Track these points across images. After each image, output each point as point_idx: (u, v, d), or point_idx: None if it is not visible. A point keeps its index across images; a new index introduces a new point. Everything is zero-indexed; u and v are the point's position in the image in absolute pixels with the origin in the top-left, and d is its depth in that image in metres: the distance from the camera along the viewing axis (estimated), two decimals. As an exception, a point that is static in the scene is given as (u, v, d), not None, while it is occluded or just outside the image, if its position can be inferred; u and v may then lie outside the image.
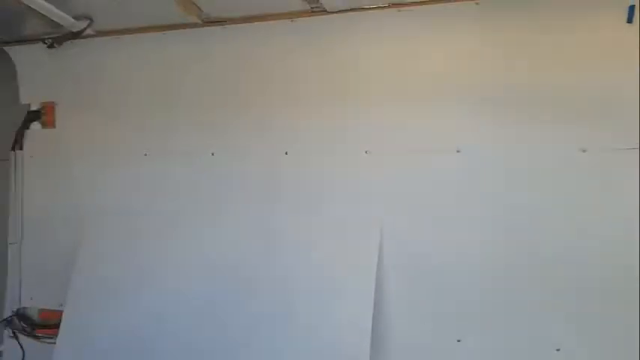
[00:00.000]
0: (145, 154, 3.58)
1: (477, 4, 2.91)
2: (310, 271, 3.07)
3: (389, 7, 3.02)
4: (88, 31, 3.50)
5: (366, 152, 3.11)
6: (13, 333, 3.78)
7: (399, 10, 3.02)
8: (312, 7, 3.09)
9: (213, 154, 3.43)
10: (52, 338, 3.56)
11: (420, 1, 2.95)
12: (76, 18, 3.38)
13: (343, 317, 2.92)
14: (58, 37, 3.59)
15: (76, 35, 3.52)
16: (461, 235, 2.91)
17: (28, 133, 3.88)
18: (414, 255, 2.98)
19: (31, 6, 3.14)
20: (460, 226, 2.91)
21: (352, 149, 3.13)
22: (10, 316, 3.79)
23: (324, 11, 3.11)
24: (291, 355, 2.96)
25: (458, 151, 2.94)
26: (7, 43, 3.76)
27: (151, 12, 3.28)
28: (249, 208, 3.31)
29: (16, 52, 3.81)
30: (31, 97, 3.87)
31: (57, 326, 3.49)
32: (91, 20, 3.42)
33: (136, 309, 3.35)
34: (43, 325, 3.75)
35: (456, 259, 2.90)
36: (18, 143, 3.86)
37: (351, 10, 3.08)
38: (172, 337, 3.23)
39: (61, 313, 3.51)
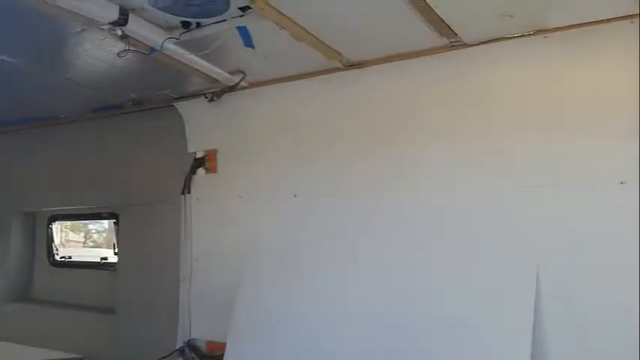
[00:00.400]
0: (295, 195, 3.75)
1: (631, 22, 2.64)
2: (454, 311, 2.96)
3: (534, 34, 2.86)
4: (242, 84, 3.81)
5: (521, 187, 2.92)
6: (185, 362, 4.13)
7: (545, 37, 2.85)
8: (451, 42, 3.04)
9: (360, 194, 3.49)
10: (218, 369, 3.81)
11: (568, 25, 2.75)
12: (231, 73, 3.69)
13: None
14: (216, 92, 3.96)
15: (232, 88, 3.85)
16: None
17: (194, 178, 4.28)
18: (578, 306, 2.70)
19: (194, 67, 3.49)
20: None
21: (505, 184, 2.98)
22: (182, 347, 4.15)
23: (464, 44, 3.04)
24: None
25: (622, 183, 2.65)
26: (176, 99, 4.21)
27: (295, 62, 3.48)
28: (391, 249, 3.30)
29: (183, 107, 4.26)
30: (196, 146, 4.29)
31: (222, 357, 3.75)
32: (244, 74, 3.70)
33: (293, 342, 3.49)
34: (210, 357, 4.04)
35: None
36: (186, 188, 4.27)
37: (492, 40, 2.97)
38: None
39: (225, 345, 3.76)
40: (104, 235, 6.90)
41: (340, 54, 3.30)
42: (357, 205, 3.47)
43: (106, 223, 6.87)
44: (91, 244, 7.76)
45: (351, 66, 3.44)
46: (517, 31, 2.90)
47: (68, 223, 7.08)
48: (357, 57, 3.36)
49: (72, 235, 7.68)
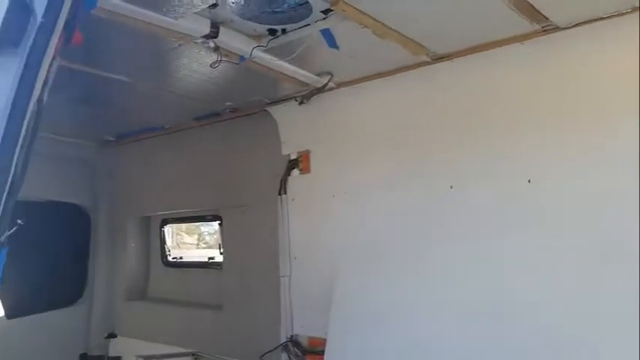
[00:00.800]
0: (388, 191, 3.75)
1: None
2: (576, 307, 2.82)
3: (631, 11, 2.66)
4: (330, 85, 3.88)
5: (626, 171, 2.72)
6: (289, 357, 4.26)
7: (644, 12, 2.65)
8: (542, 27, 2.90)
9: (451, 187, 3.43)
10: (321, 364, 3.90)
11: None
12: (319, 75, 3.78)
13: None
14: (305, 94, 4.06)
15: (320, 90, 3.93)
16: None
17: (289, 179, 4.42)
18: None
19: (283, 72, 3.62)
20: None
21: (608, 170, 2.80)
22: (286, 342, 4.29)
23: (556, 28, 2.89)
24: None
25: None
26: (269, 104, 4.37)
27: (382, 59, 3.49)
28: (492, 240, 3.21)
29: (276, 111, 4.41)
30: (290, 148, 4.42)
31: (324, 353, 3.85)
32: (331, 75, 3.77)
33: (391, 335, 3.52)
34: (312, 352, 4.15)
35: None
36: (282, 189, 4.42)
37: (585, 22, 2.80)
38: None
39: (326, 341, 3.86)
40: (215, 236, 7.29)
41: (425, 48, 3.26)
42: (452, 197, 3.41)
43: (216, 225, 7.27)
44: (203, 245, 8.21)
45: (438, 59, 3.39)
46: (612, 9, 2.72)
47: (183, 226, 7.56)
48: (444, 49, 3.31)
49: (186, 238, 8.14)
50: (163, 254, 6.14)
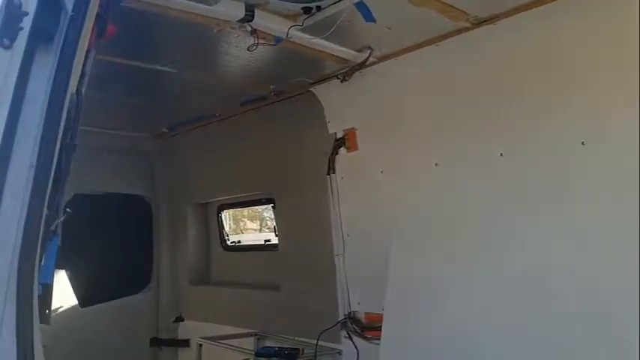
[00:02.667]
0: (436, 164, 3.69)
1: None
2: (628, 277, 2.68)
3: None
4: (371, 59, 3.81)
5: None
6: (348, 334, 4.30)
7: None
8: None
9: (501, 155, 3.33)
10: (379, 339, 3.90)
11: None
12: (358, 51, 3.73)
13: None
14: (347, 71, 4.01)
15: (361, 65, 3.88)
16: None
17: (337, 158, 4.42)
18: None
19: (322, 49, 3.60)
20: None
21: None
22: (344, 319, 4.33)
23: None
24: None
25: None
26: (312, 84, 4.37)
27: (419, 29, 3.41)
28: (544, 207, 3.10)
29: (319, 91, 4.40)
30: (335, 127, 4.41)
31: (381, 329, 3.86)
32: (371, 49, 3.71)
33: (445, 310, 3.48)
34: (370, 327, 4.17)
35: None
36: (331, 168, 4.43)
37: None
38: (488, 341, 3.24)
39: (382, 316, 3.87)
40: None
41: (465, 12, 3.14)
42: (503, 165, 3.31)
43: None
44: (266, 230, 8.37)
45: (479, 23, 3.26)
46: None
47: (245, 212, 7.70)
48: (485, 13, 3.18)
49: (249, 224, 8.27)
50: (222, 239, 6.30)
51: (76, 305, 5.48)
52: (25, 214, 1.49)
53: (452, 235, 3.59)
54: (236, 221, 8.28)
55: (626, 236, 2.74)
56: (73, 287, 5.44)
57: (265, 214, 7.92)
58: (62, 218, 1.72)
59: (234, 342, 4.91)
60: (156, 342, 6.25)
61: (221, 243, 6.30)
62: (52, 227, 1.69)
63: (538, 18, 3.06)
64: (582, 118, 2.99)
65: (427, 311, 3.60)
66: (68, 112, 1.63)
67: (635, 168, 2.73)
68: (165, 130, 6.04)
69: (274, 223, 5.48)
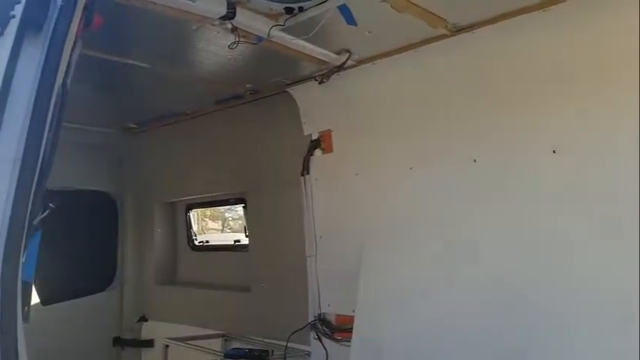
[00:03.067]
0: (411, 168, 3.73)
1: None
2: (594, 282, 2.79)
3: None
4: (349, 62, 3.83)
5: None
6: (317, 335, 4.30)
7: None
8: (566, -8, 2.83)
9: (475, 161, 3.40)
10: (348, 341, 3.92)
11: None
12: (337, 53, 3.74)
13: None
14: (325, 73, 4.03)
15: (340, 68, 3.89)
16: None
17: (312, 159, 4.42)
18: None
19: (302, 51, 3.59)
20: None
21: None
22: (314, 320, 4.33)
23: (580, -7, 2.82)
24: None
25: None
26: (288, 85, 4.36)
27: (399, 34, 3.44)
28: (515, 212, 3.18)
29: (296, 92, 4.40)
30: (311, 128, 4.42)
31: (352, 330, 3.87)
32: (350, 52, 3.73)
33: (418, 312, 3.53)
34: (340, 329, 4.18)
35: None
36: (305, 169, 4.43)
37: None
38: (456, 342, 3.29)
39: (353, 318, 3.87)
40: (239, 222, 7.36)
41: (445, 20, 3.20)
42: (476, 171, 3.39)
43: (240, 211, 7.33)
44: (228, 230, 8.30)
45: (457, 31, 3.33)
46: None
47: (207, 212, 7.62)
48: (464, 21, 3.25)
49: (211, 224, 8.23)
50: (190, 239, 6.22)
51: (37, 303, 5.31)
52: (9, 209, 1.44)
53: (424, 239, 3.65)
54: (198, 221, 8.19)
55: (594, 242, 2.84)
56: (35, 285, 5.26)
57: (228, 214, 7.87)
58: (45, 213, 1.67)
59: (201, 343, 4.85)
60: (119, 342, 6.11)
61: (188, 242, 6.22)
62: (35, 222, 1.64)
63: (514, 28, 3.15)
64: (554, 127, 3.08)
65: (398, 313, 3.64)
66: (55, 105, 1.59)
67: (602, 176, 2.85)
68: (135, 126, 5.92)
69: (237, 224, 5.43)
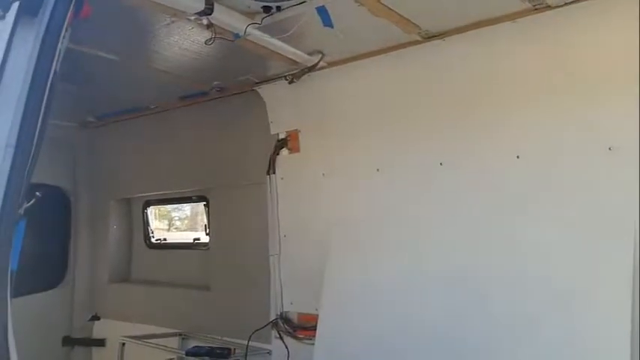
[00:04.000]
0: (378, 170, 3.81)
1: None
2: (550, 279, 2.94)
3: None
4: (321, 64, 3.88)
5: (609, 149, 2.86)
6: (279, 334, 4.32)
7: (635, -8, 2.73)
8: (534, 5, 2.97)
9: (441, 164, 3.51)
10: (311, 339, 3.97)
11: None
12: (310, 54, 3.78)
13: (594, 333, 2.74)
14: (296, 73, 4.06)
15: (311, 69, 3.93)
16: None
17: (278, 158, 4.44)
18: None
19: (275, 50, 3.61)
20: None
21: (594, 147, 2.91)
22: (276, 319, 4.34)
23: (547, 7, 2.96)
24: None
25: None
26: (257, 83, 4.36)
27: (372, 38, 3.52)
28: (479, 215, 3.31)
29: (264, 91, 4.40)
30: (278, 128, 4.43)
31: (314, 328, 3.92)
32: (323, 54, 3.78)
33: (381, 310, 3.60)
34: (302, 327, 4.22)
35: None
36: (271, 168, 4.44)
37: (578, 0, 2.88)
38: (417, 338, 3.38)
39: (316, 316, 3.92)
40: (186, 221, 7.28)
41: (418, 26, 3.29)
42: (442, 174, 3.50)
43: (188, 211, 7.25)
44: (174, 230, 8.16)
45: (429, 38, 3.43)
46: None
47: (155, 211, 7.48)
48: (436, 28, 3.34)
49: (157, 224, 8.04)
50: (146, 236, 6.11)
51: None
52: (1, 196, 1.41)
53: (389, 239, 3.74)
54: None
55: (552, 242, 3.00)
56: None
57: (174, 214, 7.77)
58: (32, 202, 1.63)
59: (157, 342, 4.77)
60: (68, 341, 5.92)
61: (145, 240, 6.10)
62: (21, 211, 1.61)
63: (484, 38, 3.28)
64: (518, 133, 3.23)
65: (362, 311, 3.70)
66: (48, 91, 1.56)
67: (562, 182, 3.02)
68: (93, 120, 5.77)
69: (184, 223, 5.36)
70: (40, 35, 1.51)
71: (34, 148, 1.49)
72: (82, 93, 4.84)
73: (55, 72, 1.66)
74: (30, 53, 1.50)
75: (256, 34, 3.32)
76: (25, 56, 1.49)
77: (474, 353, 3.13)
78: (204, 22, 3.13)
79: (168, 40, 3.52)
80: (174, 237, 6.79)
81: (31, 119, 1.47)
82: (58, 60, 1.71)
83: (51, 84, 1.63)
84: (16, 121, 1.44)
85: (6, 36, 1.39)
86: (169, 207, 7.22)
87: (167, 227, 8.67)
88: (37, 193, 1.68)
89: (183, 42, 3.53)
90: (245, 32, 3.20)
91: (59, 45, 1.59)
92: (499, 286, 3.14)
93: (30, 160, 1.49)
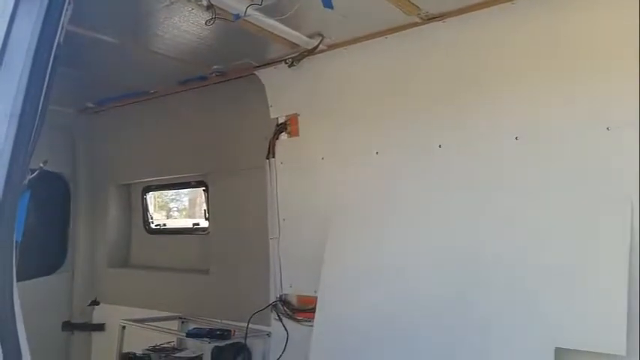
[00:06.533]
0: (377, 153, 3.83)
1: None
2: (549, 257, 2.97)
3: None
4: (321, 47, 3.88)
5: (607, 129, 2.87)
6: (278, 316, 4.35)
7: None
8: (531, -15, 2.98)
9: (440, 147, 3.52)
10: (310, 321, 4.01)
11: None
12: (310, 37, 3.79)
13: (592, 308, 2.78)
14: (296, 56, 4.06)
15: (311, 52, 3.94)
16: None
17: (278, 142, 4.45)
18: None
19: (275, 32, 3.61)
20: None
21: (592, 128, 2.93)
22: (275, 302, 4.38)
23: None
24: (531, 346, 2.91)
25: None
26: (256, 67, 4.36)
27: (372, 20, 3.53)
28: (478, 196, 3.33)
29: (264, 74, 4.41)
30: (278, 112, 4.44)
31: (313, 310, 3.95)
32: (322, 36, 3.78)
33: (379, 295, 3.62)
34: (301, 310, 4.25)
35: None
36: (271, 152, 4.45)
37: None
38: (416, 319, 3.42)
39: (315, 299, 3.96)
40: (184, 212, 7.31)
41: (418, 7, 3.30)
42: (441, 156, 3.51)
43: (186, 201, 7.28)
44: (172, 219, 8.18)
45: (429, 19, 3.44)
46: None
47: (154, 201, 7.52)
48: (436, 9, 3.35)
49: (155, 215, 8.07)
50: (146, 221, 6.12)
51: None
52: (6, 166, 1.42)
53: (388, 222, 3.76)
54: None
55: (551, 225, 3.02)
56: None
57: (172, 205, 7.81)
58: (36, 172, 1.64)
59: (157, 325, 4.81)
60: (68, 326, 5.95)
61: (145, 225, 6.12)
62: (25, 182, 1.62)
63: (483, 19, 3.29)
64: (517, 115, 3.24)
65: (361, 293, 3.73)
66: (53, 62, 1.56)
67: (562, 163, 3.04)
68: (92, 105, 5.75)
69: (182, 214, 5.35)
70: (45, 5, 1.51)
71: (37, 118, 1.50)
72: (80, 77, 4.83)
73: (58, 44, 1.66)
74: (34, 24, 1.50)
75: (256, 16, 3.32)
76: (29, 26, 1.49)
77: (473, 328, 3.17)
78: (204, 2, 3.14)
79: (168, 22, 3.52)
80: (174, 223, 6.83)
81: (35, 89, 1.47)
82: (61, 32, 1.71)
83: (54, 56, 1.64)
84: (21, 90, 1.44)
85: (10, 7, 1.39)
86: (167, 198, 7.27)
87: (165, 217, 8.70)
88: (41, 165, 1.68)
89: (182, 24, 3.52)
90: (245, 13, 3.20)
91: (62, 17, 1.59)
92: (498, 264, 3.16)
93: (34, 130, 1.49)
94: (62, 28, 1.70)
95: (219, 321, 4.73)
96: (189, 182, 5.72)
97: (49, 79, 1.58)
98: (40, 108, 1.51)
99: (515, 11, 3.14)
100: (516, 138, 3.21)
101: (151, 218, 6.13)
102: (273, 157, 4.45)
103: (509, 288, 3.07)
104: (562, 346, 2.81)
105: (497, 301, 3.11)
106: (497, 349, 3.03)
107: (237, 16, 3.25)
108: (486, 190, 3.31)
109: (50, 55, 1.51)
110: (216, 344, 4.18)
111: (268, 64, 4.29)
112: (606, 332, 2.68)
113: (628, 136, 2.78)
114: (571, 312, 2.82)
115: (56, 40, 1.55)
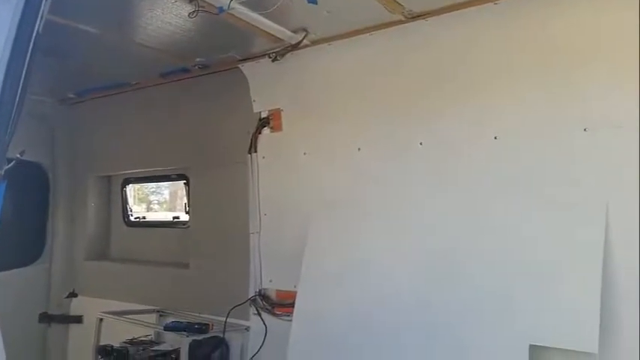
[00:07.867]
0: (359, 149, 3.84)
1: None
2: (525, 255, 3.02)
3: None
4: (305, 42, 3.87)
5: (585, 130, 2.92)
6: (257, 310, 4.36)
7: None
8: (518, -14, 3.01)
9: (421, 144, 3.55)
10: (288, 316, 4.03)
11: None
12: (294, 31, 3.78)
13: (566, 306, 2.84)
14: (279, 51, 4.04)
15: (295, 47, 3.92)
16: None
17: (260, 137, 4.44)
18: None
19: (259, 26, 3.60)
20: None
21: (570, 128, 2.98)
22: (254, 296, 4.38)
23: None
24: (506, 343, 2.96)
25: None
26: (240, 61, 4.35)
27: (356, 17, 3.53)
28: (456, 194, 3.37)
29: (247, 68, 4.39)
30: (261, 106, 4.43)
31: (292, 305, 3.96)
32: (307, 31, 3.77)
33: (357, 290, 3.66)
34: (280, 304, 4.27)
35: None
36: (253, 147, 4.44)
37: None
38: (393, 315, 3.45)
39: (295, 293, 3.97)
40: (164, 205, 7.27)
41: (402, 5, 3.31)
42: (422, 154, 3.54)
43: (166, 195, 7.24)
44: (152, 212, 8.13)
45: (413, 17, 3.45)
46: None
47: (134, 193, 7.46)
48: (420, 8, 3.37)
49: (135, 208, 8.05)
50: (125, 214, 6.08)
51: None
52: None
53: (369, 218, 3.78)
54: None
55: (528, 224, 3.07)
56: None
57: (152, 197, 7.77)
58: (13, 163, 1.63)
59: (135, 318, 4.79)
60: (45, 317, 5.89)
61: (124, 218, 6.07)
62: (1, 172, 1.60)
63: (466, 19, 3.31)
64: (496, 114, 3.28)
65: (340, 288, 3.76)
66: (32, 50, 1.55)
67: (539, 163, 3.09)
68: (72, 96, 5.68)
69: (163, 207, 5.32)
70: (23, -6, 1.50)
71: (15, 107, 1.48)
72: (61, 68, 4.78)
73: (38, 33, 1.64)
74: (13, 12, 1.49)
75: (240, 9, 3.30)
76: (9, 15, 1.48)
77: (448, 325, 3.21)
78: (188, -6, 3.12)
79: (151, 13, 3.48)
80: (154, 216, 6.78)
81: (13, 79, 1.46)
82: (41, 21, 1.70)
83: (33, 45, 1.62)
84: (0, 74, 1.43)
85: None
86: (147, 190, 7.22)
87: (145, 210, 8.65)
88: (18, 155, 1.67)
89: (165, 15, 3.49)
90: (229, 6, 3.19)
91: (42, 6, 1.58)
92: (475, 262, 3.21)
93: (11, 120, 1.48)
94: (42, 17, 1.68)
95: (197, 315, 4.72)
96: (170, 175, 5.68)
97: (28, 69, 1.57)
98: (17, 98, 1.49)
99: (497, 12, 3.17)
100: (495, 137, 3.25)
101: (131, 211, 6.08)
102: (255, 151, 4.44)
103: (485, 285, 3.11)
104: (536, 344, 2.86)
105: (473, 298, 3.15)
106: (472, 345, 3.08)
107: (222, 9, 3.23)
108: (464, 188, 3.35)
109: (29, 44, 1.49)
110: (194, 338, 4.18)
111: (252, 58, 4.27)
112: (579, 330, 2.74)
113: (604, 137, 2.84)
114: (545, 310, 2.87)
115: (35, 30, 1.53)
